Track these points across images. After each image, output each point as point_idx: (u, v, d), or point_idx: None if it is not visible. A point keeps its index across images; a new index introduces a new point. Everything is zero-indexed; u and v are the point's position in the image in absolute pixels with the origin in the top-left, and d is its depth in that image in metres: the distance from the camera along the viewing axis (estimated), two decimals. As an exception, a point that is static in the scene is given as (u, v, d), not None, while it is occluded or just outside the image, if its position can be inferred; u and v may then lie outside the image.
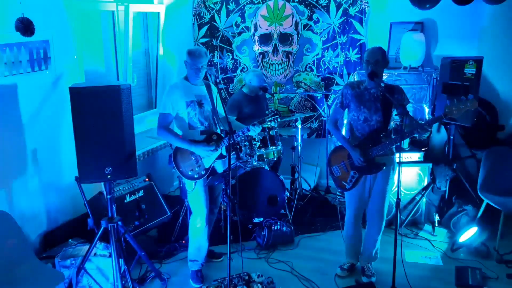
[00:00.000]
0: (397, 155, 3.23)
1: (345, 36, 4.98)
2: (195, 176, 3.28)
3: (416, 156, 4.17)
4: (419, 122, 2.93)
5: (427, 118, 4.47)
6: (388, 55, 4.74)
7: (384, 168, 3.14)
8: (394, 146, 3.16)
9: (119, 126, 2.82)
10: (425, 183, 4.17)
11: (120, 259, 2.99)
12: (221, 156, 3.30)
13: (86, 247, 3.16)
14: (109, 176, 2.86)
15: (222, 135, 3.28)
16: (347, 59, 5.04)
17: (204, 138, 3.24)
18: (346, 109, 3.27)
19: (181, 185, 4.32)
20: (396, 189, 2.97)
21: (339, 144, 3.31)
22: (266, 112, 3.45)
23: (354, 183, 3.22)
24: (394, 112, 3.22)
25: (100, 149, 2.80)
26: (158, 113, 3.29)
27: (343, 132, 3.48)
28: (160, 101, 3.29)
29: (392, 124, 3.98)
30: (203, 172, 3.29)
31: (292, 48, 5.19)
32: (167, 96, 3.24)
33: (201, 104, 3.28)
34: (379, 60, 3.06)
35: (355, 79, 4.78)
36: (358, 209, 3.35)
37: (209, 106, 3.32)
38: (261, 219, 4.10)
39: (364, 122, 3.16)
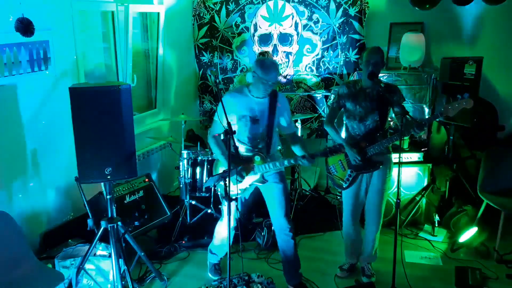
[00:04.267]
0: (397, 155, 3.23)
1: (345, 36, 4.98)
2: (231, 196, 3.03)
3: (416, 156, 4.17)
4: (418, 121, 2.94)
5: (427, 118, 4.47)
6: (388, 55, 4.76)
7: (381, 167, 3.15)
8: (390, 144, 3.17)
9: (119, 126, 2.82)
10: (425, 183, 4.17)
11: (120, 259, 2.99)
12: (262, 181, 3.05)
13: (86, 247, 3.16)
14: (109, 176, 2.86)
15: (268, 159, 3.01)
16: (346, 59, 5.04)
17: (248, 156, 3.01)
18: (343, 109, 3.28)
19: (181, 185, 4.33)
20: (396, 189, 2.97)
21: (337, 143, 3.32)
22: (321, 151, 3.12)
23: (351, 182, 3.23)
24: (391, 111, 3.22)
25: (100, 149, 2.79)
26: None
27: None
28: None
29: (391, 123, 3.99)
30: (235, 194, 2.98)
31: (292, 48, 5.19)
32: (221, 104, 2.97)
33: (256, 121, 2.98)
34: (379, 61, 3.07)
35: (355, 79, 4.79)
36: (355, 208, 3.36)
37: (264, 123, 3.01)
38: (261, 219, 4.09)
39: (360, 121, 3.17)
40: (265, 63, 2.87)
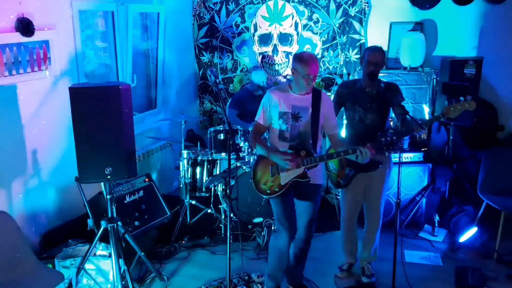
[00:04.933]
0: (397, 155, 3.23)
1: (345, 36, 4.98)
2: (267, 191, 2.91)
3: (416, 156, 4.17)
4: (418, 121, 2.94)
5: (427, 118, 4.47)
6: (388, 55, 4.76)
7: (380, 166, 3.15)
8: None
9: (119, 126, 2.82)
10: (425, 183, 4.17)
11: (120, 259, 2.99)
12: (303, 176, 2.84)
13: (86, 247, 3.16)
14: (109, 176, 2.86)
15: (314, 154, 2.84)
16: (346, 59, 5.04)
17: (292, 152, 2.85)
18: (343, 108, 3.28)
19: (181, 185, 4.33)
20: (396, 189, 2.97)
21: None
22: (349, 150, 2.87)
23: (349, 180, 3.22)
24: (391, 111, 3.22)
25: (100, 149, 2.79)
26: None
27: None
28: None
29: (391, 123, 3.99)
30: (276, 189, 2.87)
31: (292, 48, 5.19)
32: (262, 102, 2.95)
33: (297, 118, 2.86)
34: (379, 61, 3.07)
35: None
36: (354, 208, 3.36)
37: (307, 120, 2.87)
38: (261, 219, 4.10)
39: (359, 121, 3.17)
40: (304, 56, 2.78)
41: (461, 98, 2.79)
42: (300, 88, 2.83)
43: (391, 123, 4.04)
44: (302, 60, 2.75)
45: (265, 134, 3.21)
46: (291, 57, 5.21)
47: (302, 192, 2.96)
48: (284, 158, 2.77)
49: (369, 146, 2.66)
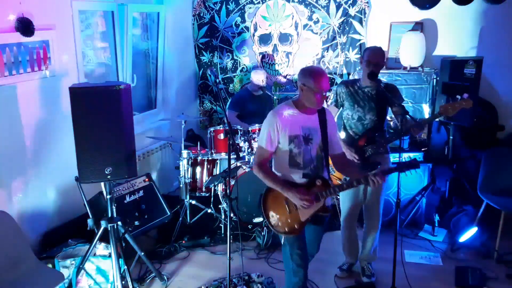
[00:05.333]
0: (397, 155, 3.23)
1: (345, 36, 4.98)
2: (285, 230, 2.60)
3: (416, 156, 4.17)
4: (417, 121, 2.94)
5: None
6: (388, 55, 4.76)
7: (379, 167, 3.15)
8: (389, 145, 3.16)
9: (119, 126, 2.82)
10: (425, 183, 4.17)
11: (120, 259, 2.99)
12: (323, 210, 2.58)
13: (86, 247, 3.16)
14: (109, 176, 2.86)
15: (329, 181, 2.61)
16: (346, 59, 5.04)
17: (306, 182, 2.59)
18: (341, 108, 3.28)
19: (181, 185, 4.33)
20: (396, 189, 2.96)
21: None
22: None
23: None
24: (390, 111, 3.23)
25: (100, 149, 2.79)
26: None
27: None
28: (261, 131, 2.64)
29: (391, 123, 4.00)
30: (296, 226, 2.58)
31: (292, 48, 5.19)
32: (266, 125, 2.59)
33: (309, 140, 2.59)
34: (379, 61, 3.07)
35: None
36: (353, 208, 3.36)
37: (318, 141, 2.63)
38: (261, 219, 4.09)
39: (358, 121, 3.17)
40: (314, 71, 2.56)
41: (458, 97, 2.80)
42: (311, 105, 2.57)
43: (391, 123, 4.05)
44: (313, 74, 2.52)
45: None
46: (291, 57, 5.22)
47: (316, 219, 2.66)
48: (301, 198, 2.49)
49: (380, 175, 2.46)
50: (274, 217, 2.62)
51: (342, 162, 2.78)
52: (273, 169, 2.71)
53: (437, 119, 4.39)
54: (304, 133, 2.59)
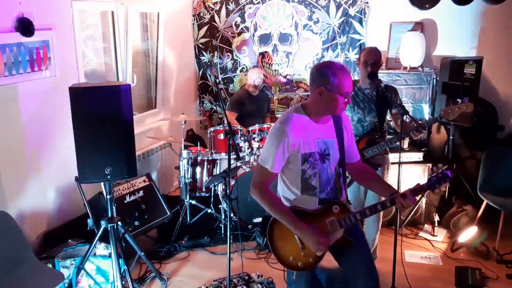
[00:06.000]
0: (397, 155, 3.23)
1: (345, 36, 4.98)
2: (298, 265, 2.18)
3: (416, 156, 4.17)
4: (419, 122, 2.94)
5: (426, 119, 4.48)
6: (388, 55, 4.77)
7: (379, 168, 3.15)
8: (389, 147, 3.17)
9: (119, 126, 2.81)
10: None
11: (120, 259, 2.99)
12: (344, 241, 2.18)
13: (86, 247, 3.16)
14: (109, 176, 2.86)
15: (350, 205, 2.25)
16: (346, 59, 5.04)
17: (321, 209, 2.16)
18: None
19: (181, 185, 4.33)
20: (396, 189, 2.96)
21: None
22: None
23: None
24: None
25: (100, 149, 2.79)
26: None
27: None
28: (262, 149, 2.16)
29: (391, 123, 3.99)
30: (311, 261, 2.18)
31: (292, 48, 5.19)
32: (273, 142, 2.08)
33: (325, 156, 2.14)
34: (377, 61, 3.08)
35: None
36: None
37: (336, 156, 2.18)
38: (261, 219, 4.09)
39: (358, 122, 3.17)
40: (338, 68, 2.05)
41: (458, 100, 2.79)
42: (330, 112, 2.12)
43: (391, 123, 4.05)
44: (337, 73, 2.01)
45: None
46: (291, 57, 5.21)
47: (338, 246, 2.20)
48: (317, 240, 2.04)
49: (410, 196, 2.07)
50: (283, 252, 2.17)
51: (361, 171, 2.35)
52: (278, 193, 2.26)
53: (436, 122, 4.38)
54: (320, 149, 2.11)
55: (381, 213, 3.34)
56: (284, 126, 2.07)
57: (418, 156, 4.18)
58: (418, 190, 2.11)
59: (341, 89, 2.02)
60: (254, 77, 4.71)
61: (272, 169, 2.09)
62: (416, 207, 4.17)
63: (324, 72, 2.04)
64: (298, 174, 2.12)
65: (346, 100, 2.04)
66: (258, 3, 5.17)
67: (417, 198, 2.20)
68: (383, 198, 2.20)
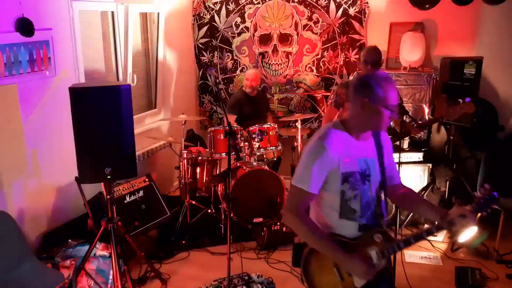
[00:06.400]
0: (397, 155, 3.23)
1: (345, 36, 4.98)
2: None
3: (416, 156, 4.17)
4: (419, 122, 2.94)
5: (427, 119, 4.48)
6: (388, 55, 4.77)
7: None
8: None
9: (119, 126, 2.81)
10: (425, 183, 4.17)
11: (120, 259, 2.98)
12: (387, 272, 1.96)
13: (86, 247, 3.16)
14: (109, 177, 2.85)
15: (391, 235, 1.99)
16: (346, 59, 5.04)
17: (361, 238, 1.93)
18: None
19: (181, 185, 4.32)
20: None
21: None
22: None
23: None
24: None
25: (100, 149, 2.79)
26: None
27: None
28: (298, 167, 1.94)
29: (392, 123, 3.99)
30: None
31: (292, 48, 5.19)
32: (310, 157, 1.88)
33: (366, 177, 1.94)
34: (377, 60, 3.08)
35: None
36: None
37: (377, 178, 1.98)
38: (261, 219, 4.10)
39: None
40: (385, 78, 1.86)
41: (460, 100, 2.79)
42: (372, 128, 1.93)
43: (391, 123, 4.05)
44: (381, 84, 1.82)
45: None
46: (291, 57, 5.21)
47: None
48: (364, 269, 1.83)
49: (471, 216, 1.90)
50: (318, 283, 1.97)
51: (403, 195, 2.12)
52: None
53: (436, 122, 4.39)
54: (361, 168, 1.92)
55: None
56: (323, 141, 1.87)
57: (418, 156, 4.17)
58: (474, 210, 1.93)
59: (387, 101, 1.82)
60: (251, 78, 4.71)
61: (309, 189, 1.85)
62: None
63: (368, 83, 1.85)
64: (337, 195, 1.90)
65: (391, 114, 1.85)
66: (258, 3, 5.17)
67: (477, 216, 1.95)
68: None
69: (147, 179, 3.96)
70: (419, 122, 2.93)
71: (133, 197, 3.76)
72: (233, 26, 5.30)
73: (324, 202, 1.94)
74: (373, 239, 1.91)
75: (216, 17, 5.34)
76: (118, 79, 4.40)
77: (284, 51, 5.22)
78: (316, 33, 5.07)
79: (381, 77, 1.87)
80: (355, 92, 1.91)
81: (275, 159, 4.51)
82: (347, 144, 1.90)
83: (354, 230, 1.93)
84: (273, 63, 5.29)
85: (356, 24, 4.91)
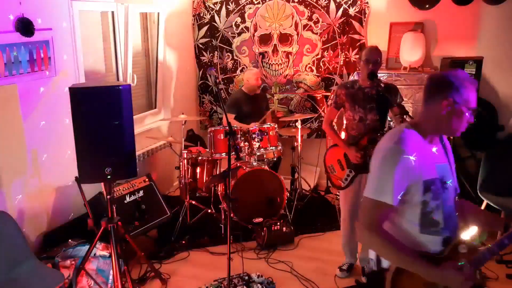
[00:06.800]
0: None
1: (345, 36, 4.98)
2: None
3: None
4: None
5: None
6: (388, 55, 4.77)
7: None
8: None
9: (119, 126, 2.81)
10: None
11: (120, 259, 2.98)
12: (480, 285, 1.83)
13: (86, 247, 3.16)
14: (109, 177, 2.85)
15: (474, 243, 1.88)
16: (346, 59, 5.04)
17: (447, 251, 1.77)
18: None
19: (181, 185, 4.32)
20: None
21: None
22: None
23: (350, 181, 3.23)
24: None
25: (100, 149, 2.79)
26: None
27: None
28: (373, 177, 1.77)
29: (392, 123, 4.00)
30: None
31: (292, 48, 5.20)
32: (386, 165, 1.70)
33: (444, 185, 1.78)
34: (378, 60, 3.08)
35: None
36: (353, 208, 3.36)
37: (454, 183, 1.85)
38: (261, 219, 4.09)
39: (359, 121, 3.17)
40: (465, 77, 1.73)
41: None
42: (452, 130, 1.76)
43: (392, 123, 4.05)
44: (465, 85, 1.70)
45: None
46: (291, 57, 5.21)
47: None
48: (462, 280, 1.62)
49: None
50: None
51: (460, 203, 1.99)
52: None
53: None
54: (440, 175, 1.75)
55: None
56: (400, 145, 1.68)
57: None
58: None
59: (469, 103, 1.69)
60: (256, 77, 4.70)
61: (392, 201, 1.65)
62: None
63: (452, 82, 1.70)
64: (417, 207, 1.71)
65: (469, 117, 1.71)
66: (258, 3, 5.17)
67: None
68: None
69: (147, 179, 3.96)
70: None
71: (133, 197, 3.76)
72: (233, 26, 5.30)
73: (401, 216, 1.73)
74: (459, 251, 1.74)
75: (216, 17, 5.34)
76: (118, 79, 4.40)
77: (284, 51, 5.23)
78: (316, 33, 5.07)
79: (464, 76, 1.72)
80: (435, 92, 1.73)
81: (275, 159, 4.51)
82: (423, 148, 1.72)
83: (437, 244, 1.74)
84: (273, 63, 5.29)
85: (356, 24, 4.91)
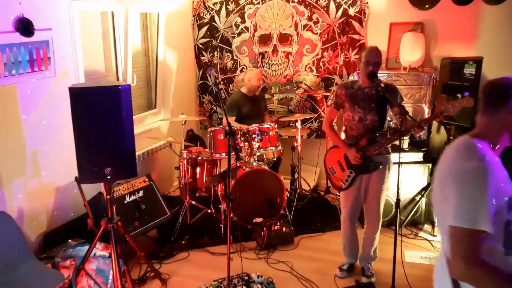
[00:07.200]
0: (397, 155, 3.23)
1: (345, 36, 4.98)
2: None
3: (416, 156, 4.17)
4: (417, 121, 2.94)
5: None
6: (388, 55, 4.77)
7: (380, 167, 3.16)
8: (390, 145, 3.17)
9: (119, 126, 2.81)
10: (425, 183, 4.17)
11: (120, 259, 2.98)
12: None
13: (86, 247, 3.16)
14: (108, 177, 2.85)
15: None
16: (346, 59, 5.04)
17: None
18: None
19: (181, 185, 4.32)
20: (396, 189, 2.97)
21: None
22: None
23: (351, 182, 3.24)
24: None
25: (100, 149, 2.79)
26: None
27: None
28: (461, 203, 1.52)
29: (392, 123, 4.00)
30: None
31: (292, 48, 5.20)
32: (476, 188, 1.51)
33: None
34: (378, 60, 3.09)
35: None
36: (354, 208, 3.36)
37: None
38: (261, 219, 4.09)
39: (359, 121, 3.17)
40: None
41: (459, 95, 2.78)
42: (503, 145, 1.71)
43: (392, 123, 4.05)
44: None
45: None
46: (291, 57, 5.21)
47: None
48: None
49: None
50: None
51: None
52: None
53: (437, 118, 4.39)
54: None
55: (381, 213, 3.34)
56: (484, 162, 1.52)
57: (418, 156, 4.17)
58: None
59: None
60: (258, 77, 4.70)
61: (489, 229, 1.46)
62: (416, 207, 4.17)
63: (506, 91, 1.59)
64: (500, 226, 1.52)
65: None
66: (258, 3, 5.17)
67: None
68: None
69: (147, 179, 3.95)
70: (417, 121, 2.92)
71: (133, 197, 3.76)
72: (233, 26, 5.30)
73: (493, 237, 1.53)
74: None
75: (216, 17, 5.34)
76: (118, 79, 4.40)
77: (284, 51, 5.23)
78: (316, 33, 5.07)
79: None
80: (504, 99, 1.59)
81: (275, 159, 4.51)
82: (498, 163, 1.58)
83: None
84: (273, 63, 5.29)
85: (356, 24, 4.91)
